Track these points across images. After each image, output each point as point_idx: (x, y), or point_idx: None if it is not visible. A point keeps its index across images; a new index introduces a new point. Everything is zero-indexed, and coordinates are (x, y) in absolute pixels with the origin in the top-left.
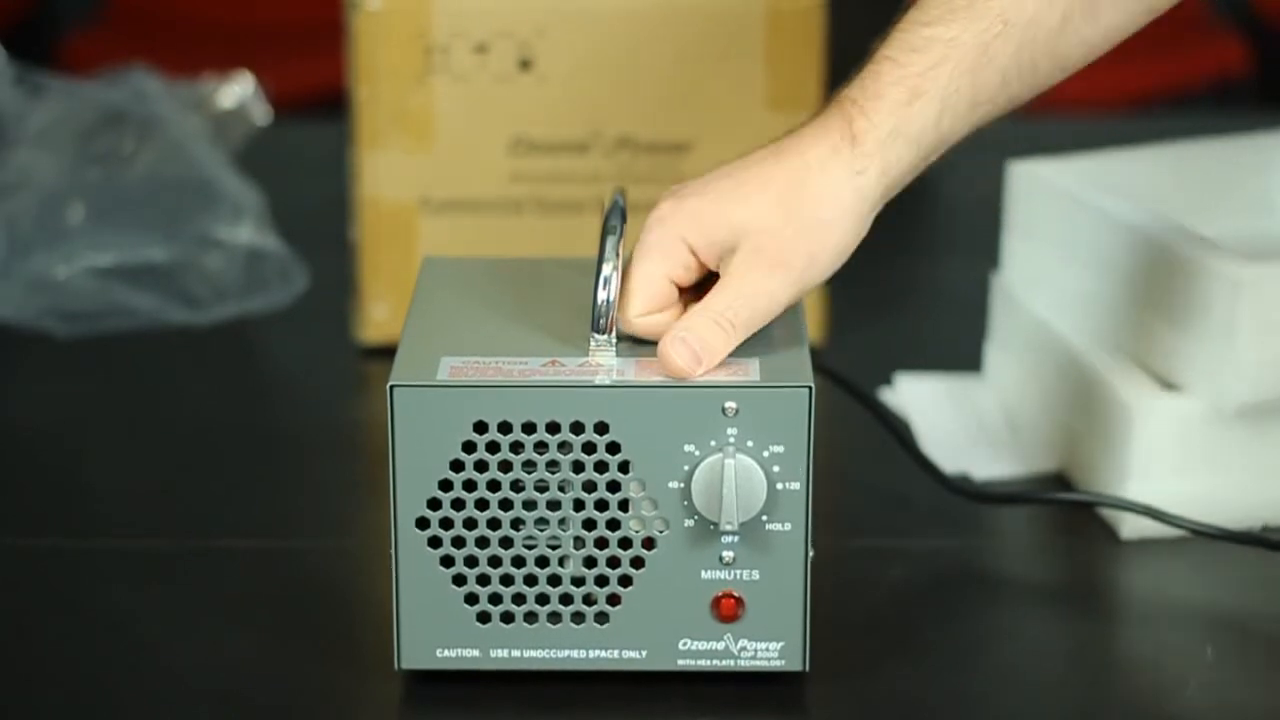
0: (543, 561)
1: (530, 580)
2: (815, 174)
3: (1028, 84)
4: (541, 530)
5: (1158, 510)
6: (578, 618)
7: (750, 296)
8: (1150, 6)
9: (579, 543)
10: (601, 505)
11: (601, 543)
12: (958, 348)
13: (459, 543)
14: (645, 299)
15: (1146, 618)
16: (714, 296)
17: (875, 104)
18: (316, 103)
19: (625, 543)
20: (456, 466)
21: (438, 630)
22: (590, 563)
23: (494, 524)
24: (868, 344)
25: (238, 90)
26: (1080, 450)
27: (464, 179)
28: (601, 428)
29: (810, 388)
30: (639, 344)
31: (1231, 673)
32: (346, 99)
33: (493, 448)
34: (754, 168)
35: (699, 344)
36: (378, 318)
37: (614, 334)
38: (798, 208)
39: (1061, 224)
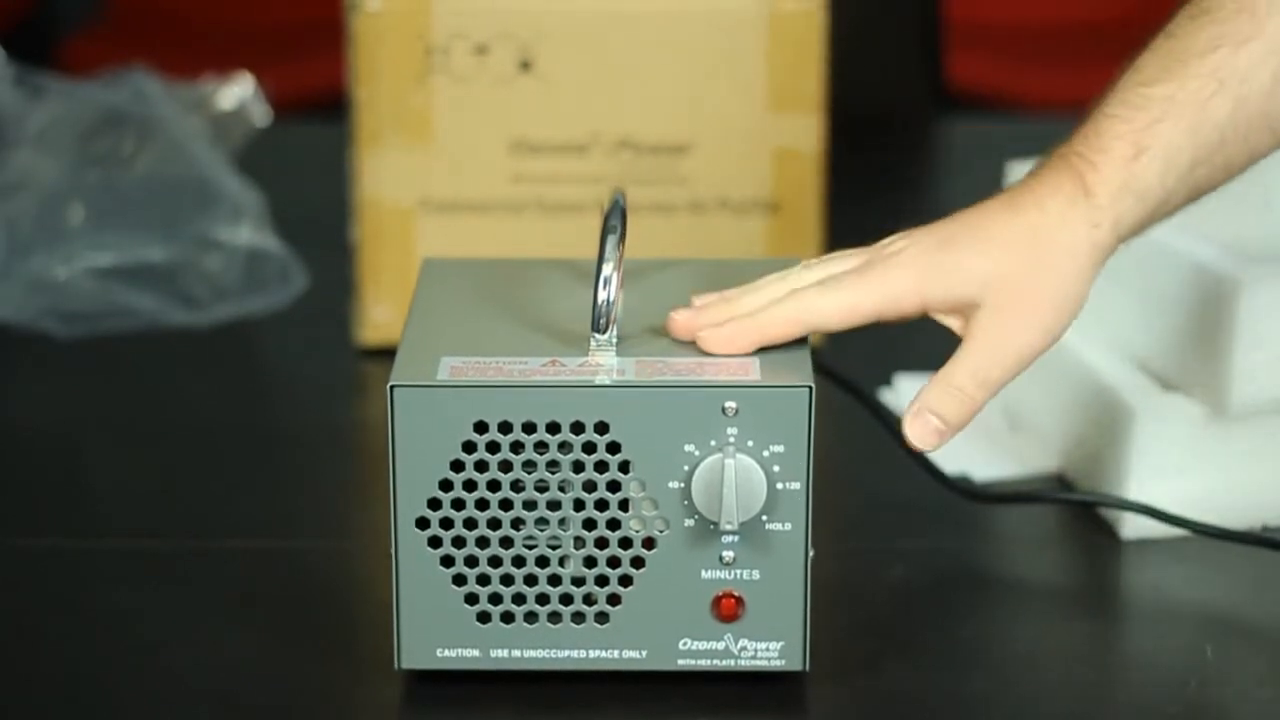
0: (543, 561)
1: (530, 580)
2: (1055, 226)
3: (1243, 147)
4: (542, 530)
5: (1158, 510)
6: (578, 618)
7: (1002, 355)
8: None
9: (579, 542)
10: (602, 505)
11: (602, 542)
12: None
13: (459, 543)
14: (847, 319)
15: (1146, 618)
16: (960, 360)
17: (1103, 158)
18: (316, 103)
19: (625, 542)
20: (457, 466)
21: (438, 630)
22: (590, 562)
23: (494, 524)
24: (868, 344)
25: (238, 90)
26: (1080, 450)
27: (464, 179)
28: (602, 427)
29: (810, 388)
30: (640, 344)
31: (1231, 672)
32: (346, 99)
33: (493, 448)
34: (992, 218)
35: (939, 422)
36: (378, 319)
37: (614, 334)
38: (1041, 259)
39: None
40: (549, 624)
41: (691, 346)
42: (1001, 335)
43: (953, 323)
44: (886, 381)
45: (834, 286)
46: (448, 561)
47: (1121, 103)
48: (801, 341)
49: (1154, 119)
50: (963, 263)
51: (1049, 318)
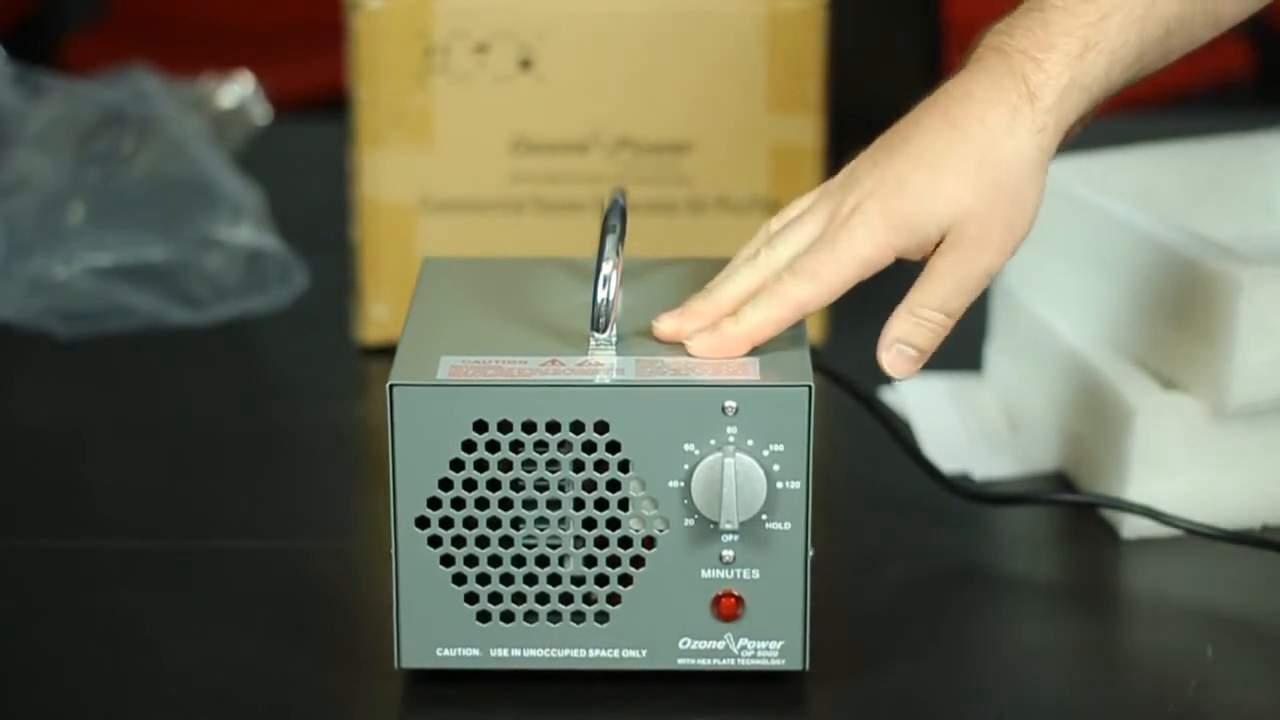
0: (543, 561)
1: (530, 579)
2: (1003, 142)
3: (1184, 39)
4: (541, 529)
5: (1157, 511)
6: (578, 617)
7: (965, 284)
8: None
9: (579, 542)
10: (601, 504)
11: (601, 542)
12: (958, 348)
13: (459, 542)
14: (830, 297)
15: (1146, 617)
16: (925, 290)
17: (1049, 55)
18: (316, 103)
19: (625, 542)
20: (456, 466)
21: (438, 629)
22: (590, 562)
23: (494, 523)
24: (868, 344)
25: (238, 90)
26: (1080, 450)
27: (464, 179)
28: (601, 427)
29: (810, 387)
30: (639, 343)
31: (1231, 672)
32: (346, 99)
33: (493, 447)
34: (937, 144)
35: (912, 350)
36: (378, 318)
37: (613, 333)
38: (993, 184)
39: (1061, 224)
40: (549, 623)
41: None
42: (964, 265)
43: (916, 256)
44: (887, 381)
45: (809, 273)
46: (447, 561)
47: None
48: (801, 340)
49: (1103, 14)
50: (922, 210)
51: (1006, 239)
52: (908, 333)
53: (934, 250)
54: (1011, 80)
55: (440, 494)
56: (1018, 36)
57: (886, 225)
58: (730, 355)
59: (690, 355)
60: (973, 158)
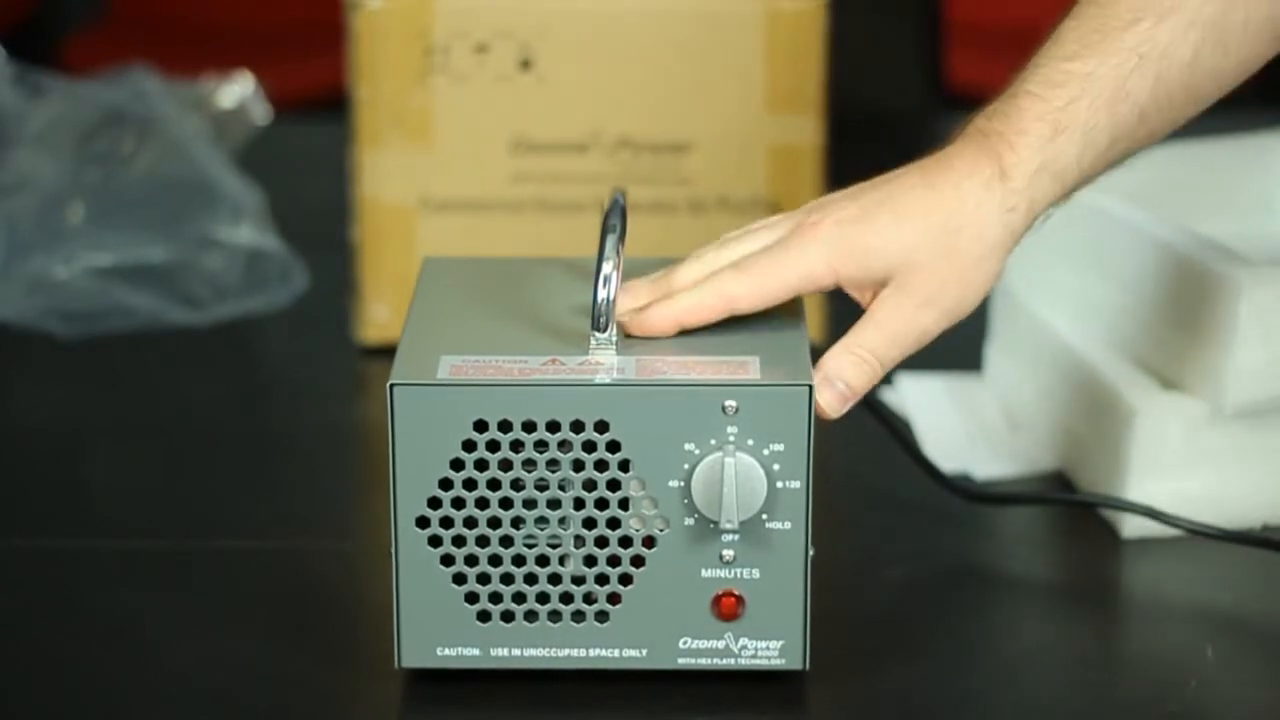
0: (543, 560)
1: (530, 579)
2: (971, 210)
3: (1165, 118)
4: (542, 529)
5: (1157, 511)
6: (578, 616)
7: (901, 335)
8: (1278, 34)
9: (579, 541)
10: (602, 504)
11: (602, 541)
12: (958, 348)
13: (459, 541)
14: (764, 300)
15: (1146, 617)
16: (863, 332)
17: (1021, 139)
18: (316, 103)
19: (625, 541)
20: (457, 465)
21: (438, 629)
22: (590, 561)
23: (494, 523)
24: None
25: (238, 90)
26: (1080, 450)
27: (464, 179)
28: (601, 426)
29: (810, 386)
30: (639, 343)
31: (1231, 672)
32: (346, 99)
33: (493, 446)
34: (909, 194)
35: (846, 389)
36: (378, 318)
37: (614, 333)
38: (952, 246)
39: (1062, 224)
40: (549, 623)
41: (691, 345)
42: (903, 318)
43: (858, 295)
44: (887, 381)
45: (749, 268)
46: (448, 560)
47: (1042, 79)
48: (801, 340)
49: (1072, 98)
50: (875, 244)
51: (953, 304)
52: (847, 371)
53: (874, 295)
54: (988, 159)
55: (440, 494)
56: (996, 120)
57: (839, 247)
58: (657, 333)
59: (691, 355)
60: (939, 215)
